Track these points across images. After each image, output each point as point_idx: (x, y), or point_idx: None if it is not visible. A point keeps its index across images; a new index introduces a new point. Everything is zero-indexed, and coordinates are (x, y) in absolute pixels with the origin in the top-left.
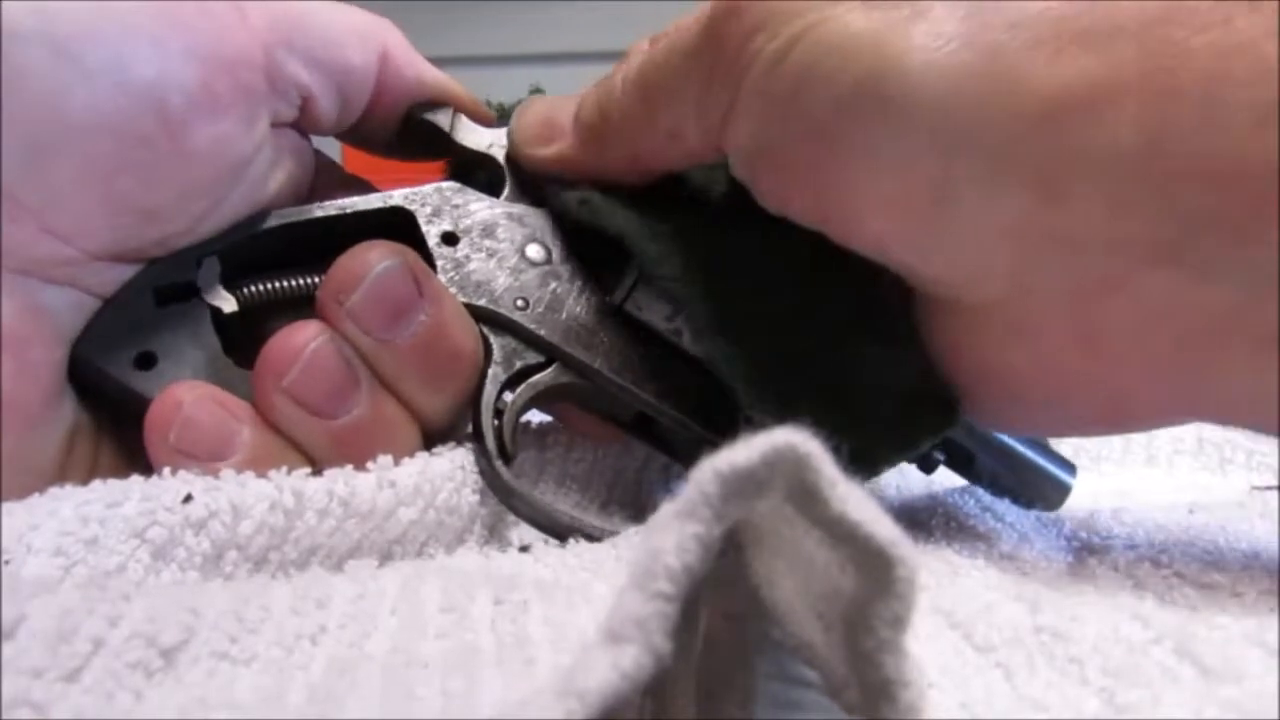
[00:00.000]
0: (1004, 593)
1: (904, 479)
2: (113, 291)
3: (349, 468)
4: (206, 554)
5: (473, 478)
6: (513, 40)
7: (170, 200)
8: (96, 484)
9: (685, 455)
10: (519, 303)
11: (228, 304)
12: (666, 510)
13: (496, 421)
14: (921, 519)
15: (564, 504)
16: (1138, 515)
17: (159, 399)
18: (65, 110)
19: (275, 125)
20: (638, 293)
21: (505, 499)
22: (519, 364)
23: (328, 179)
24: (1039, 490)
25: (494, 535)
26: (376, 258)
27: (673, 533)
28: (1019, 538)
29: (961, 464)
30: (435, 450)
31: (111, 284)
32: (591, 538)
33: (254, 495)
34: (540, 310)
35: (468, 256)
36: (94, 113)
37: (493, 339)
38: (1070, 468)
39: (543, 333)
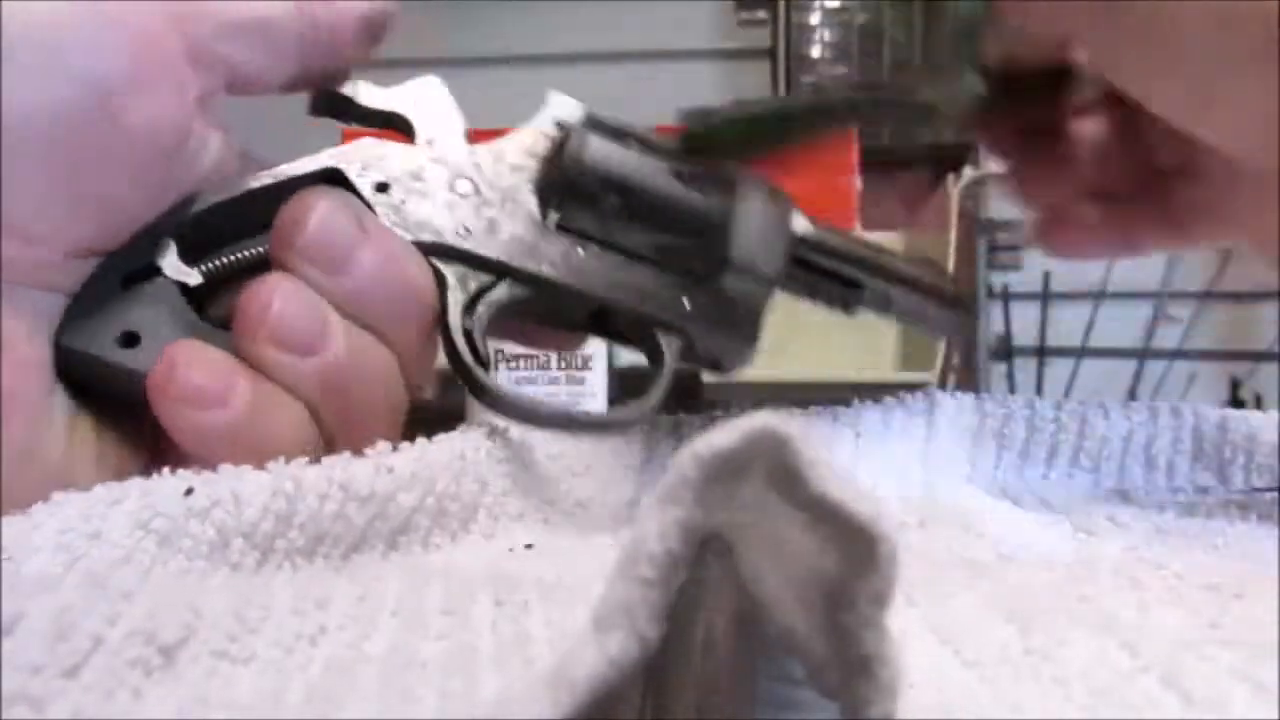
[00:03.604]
0: (997, 612)
1: (904, 479)
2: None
3: (346, 454)
4: (213, 541)
5: (473, 466)
6: (514, 41)
7: (125, 183)
8: (98, 488)
9: (642, 342)
10: (460, 231)
11: (192, 278)
12: (650, 499)
13: (466, 341)
14: (922, 520)
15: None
16: (1137, 516)
17: (158, 363)
18: (14, 110)
19: (207, 96)
20: (565, 208)
21: (491, 403)
22: (474, 285)
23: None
24: (944, 317)
25: (499, 525)
26: (314, 201)
27: (655, 519)
28: (1019, 539)
29: (881, 305)
30: (436, 439)
31: (82, 281)
32: (574, 428)
33: (254, 485)
34: (481, 235)
35: (403, 200)
36: (40, 107)
37: (444, 269)
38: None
39: (488, 253)
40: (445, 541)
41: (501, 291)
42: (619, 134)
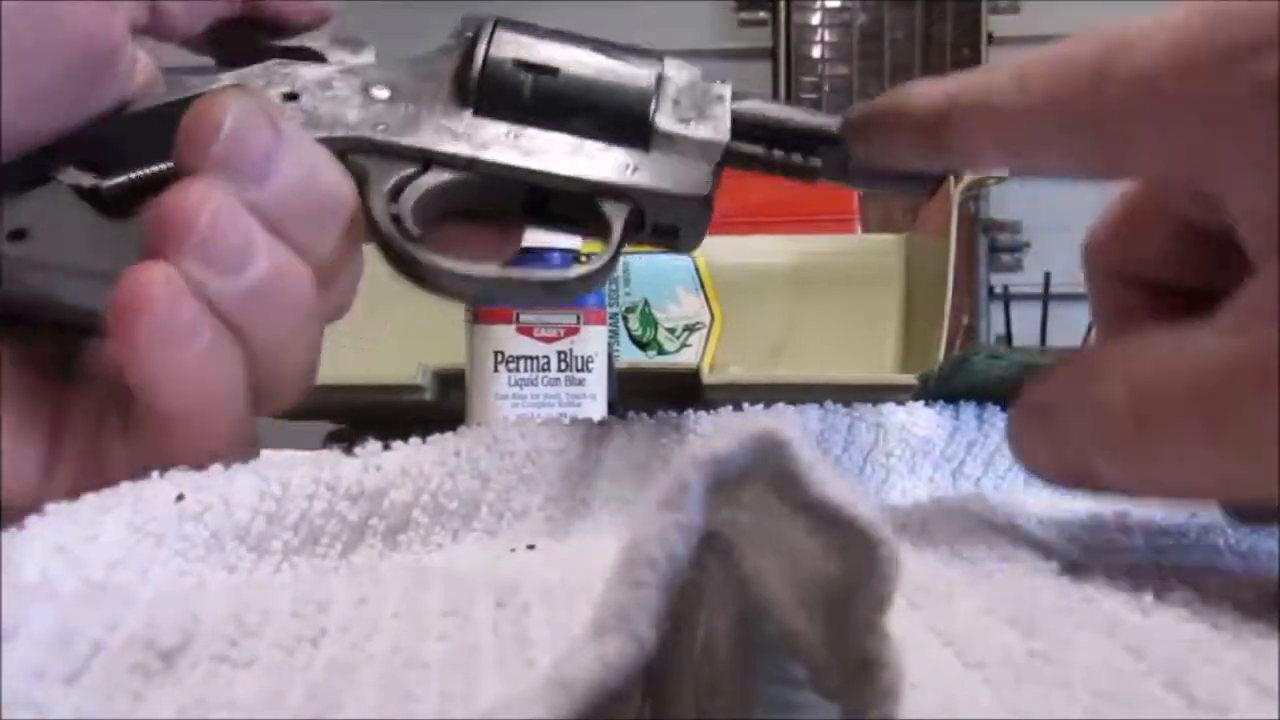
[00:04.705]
0: (1000, 614)
1: (908, 482)
2: None
3: (335, 453)
4: (208, 543)
5: (467, 464)
6: None
7: (55, 80)
8: (88, 496)
9: (586, 219)
10: (379, 127)
11: (86, 179)
12: (648, 501)
13: (392, 221)
14: (924, 523)
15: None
16: (1139, 518)
17: (120, 289)
18: None
19: (135, 24)
20: (486, 97)
21: (422, 277)
22: (397, 176)
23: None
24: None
25: (502, 523)
26: (227, 101)
27: (654, 523)
28: (1019, 540)
29: (839, 174)
30: (430, 438)
31: None
32: (518, 294)
33: (241, 488)
34: (400, 128)
35: (315, 106)
36: None
37: (365, 162)
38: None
39: (410, 141)
40: (447, 540)
41: (429, 178)
42: (527, 26)
